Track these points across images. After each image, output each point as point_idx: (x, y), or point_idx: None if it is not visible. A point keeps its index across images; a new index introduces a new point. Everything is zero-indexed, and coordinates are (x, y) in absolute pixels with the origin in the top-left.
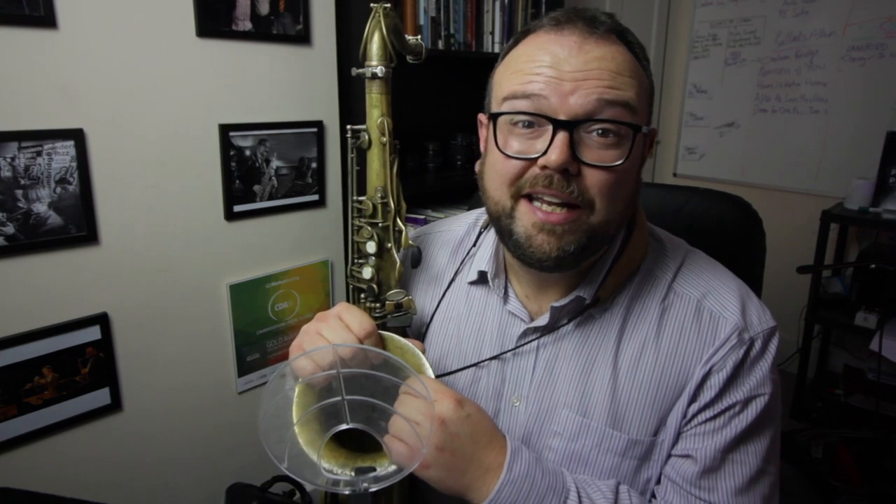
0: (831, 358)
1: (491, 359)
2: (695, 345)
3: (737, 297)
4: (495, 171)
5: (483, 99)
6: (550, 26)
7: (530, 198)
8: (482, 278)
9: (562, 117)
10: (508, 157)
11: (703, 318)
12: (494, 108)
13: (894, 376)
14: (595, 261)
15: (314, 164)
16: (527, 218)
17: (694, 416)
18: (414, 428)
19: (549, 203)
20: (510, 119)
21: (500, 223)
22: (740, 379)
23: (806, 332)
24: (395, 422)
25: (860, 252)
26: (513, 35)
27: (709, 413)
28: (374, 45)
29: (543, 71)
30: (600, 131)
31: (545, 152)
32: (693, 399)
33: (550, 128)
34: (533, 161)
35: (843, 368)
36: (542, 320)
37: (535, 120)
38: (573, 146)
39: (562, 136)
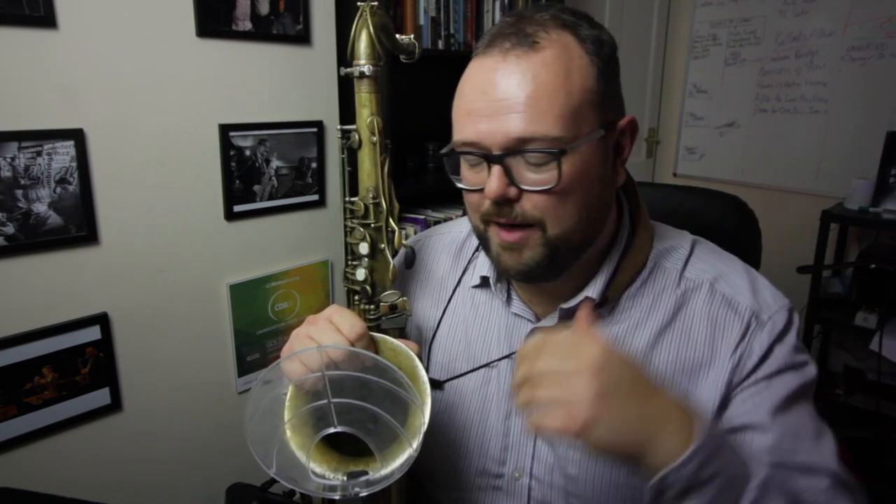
0: (831, 358)
1: (500, 359)
2: (710, 329)
3: (747, 281)
4: (466, 201)
5: None
6: (482, 49)
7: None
8: (485, 282)
9: (494, 151)
10: (467, 190)
11: (715, 302)
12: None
13: (894, 376)
14: (601, 260)
15: (314, 164)
16: (495, 239)
17: (734, 396)
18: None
19: (504, 225)
20: (460, 154)
21: (482, 243)
22: (773, 354)
23: (806, 332)
24: (539, 389)
25: (860, 252)
26: None
27: (749, 382)
28: (362, 44)
29: (473, 110)
30: (539, 152)
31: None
32: (729, 388)
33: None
34: (482, 191)
35: (843, 368)
36: (550, 321)
37: (473, 155)
38: (510, 174)
39: (495, 169)
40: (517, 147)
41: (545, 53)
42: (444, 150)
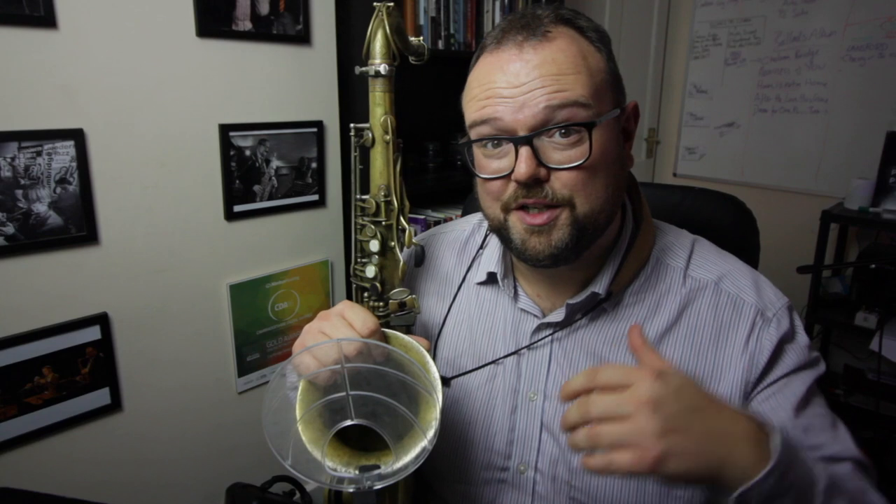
0: (831, 358)
1: (507, 356)
2: (716, 330)
3: (750, 279)
4: (483, 191)
5: None
6: (493, 44)
7: (518, 207)
8: (491, 279)
9: (520, 133)
10: (487, 179)
11: (721, 302)
12: (467, 135)
13: (894, 376)
14: (606, 256)
15: (314, 164)
16: (519, 225)
17: (753, 396)
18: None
19: (533, 208)
20: (480, 143)
21: (500, 234)
22: (786, 353)
23: (806, 332)
24: (601, 431)
25: (860, 252)
26: None
27: (766, 382)
28: (378, 44)
29: (493, 93)
30: (561, 132)
31: (514, 168)
32: (746, 387)
33: (512, 145)
34: (508, 177)
35: (843, 368)
36: (556, 316)
37: (498, 140)
38: (537, 155)
39: (524, 151)
40: (547, 120)
41: (559, 41)
42: (464, 140)
